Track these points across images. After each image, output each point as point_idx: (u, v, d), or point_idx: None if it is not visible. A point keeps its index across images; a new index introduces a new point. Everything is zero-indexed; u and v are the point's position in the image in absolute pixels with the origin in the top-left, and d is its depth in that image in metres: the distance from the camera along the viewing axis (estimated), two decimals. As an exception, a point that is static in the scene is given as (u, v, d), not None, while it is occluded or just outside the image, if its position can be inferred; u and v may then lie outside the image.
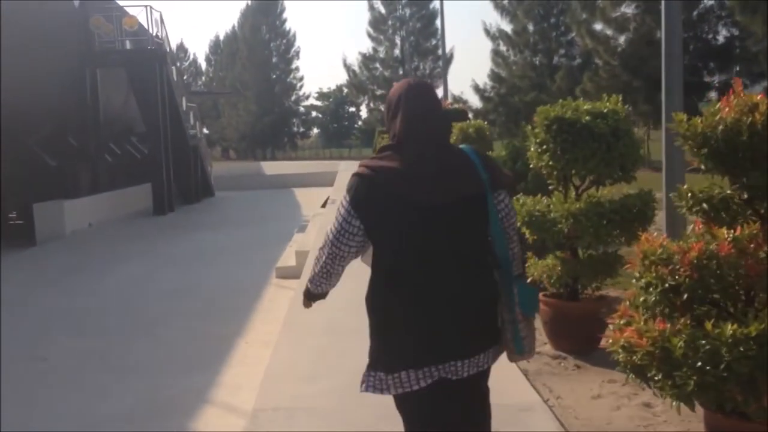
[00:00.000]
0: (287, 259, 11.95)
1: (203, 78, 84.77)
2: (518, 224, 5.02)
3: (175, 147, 23.27)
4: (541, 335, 5.54)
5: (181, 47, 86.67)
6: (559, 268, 4.86)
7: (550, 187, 5.14)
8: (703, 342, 2.68)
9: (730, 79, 26.84)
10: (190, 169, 25.21)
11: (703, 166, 3.10)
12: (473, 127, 9.53)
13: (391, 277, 2.40)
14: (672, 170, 5.61)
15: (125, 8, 22.50)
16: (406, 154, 2.38)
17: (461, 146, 2.54)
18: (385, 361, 2.43)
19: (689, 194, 3.03)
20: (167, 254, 13.87)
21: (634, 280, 3.10)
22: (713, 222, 2.96)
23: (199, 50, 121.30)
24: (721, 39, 26.23)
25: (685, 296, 2.85)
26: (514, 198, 5.11)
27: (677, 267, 2.85)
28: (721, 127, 2.90)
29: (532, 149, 4.98)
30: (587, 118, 4.76)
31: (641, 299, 3.05)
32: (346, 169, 26.77)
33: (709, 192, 3.00)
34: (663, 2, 5.50)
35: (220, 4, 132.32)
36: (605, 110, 4.79)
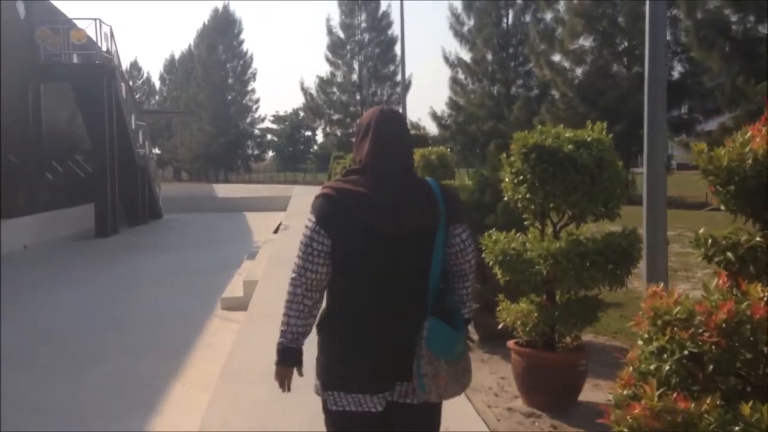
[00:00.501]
0: (234, 288, 11.23)
1: (157, 97, 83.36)
2: (490, 263, 4.49)
3: (121, 166, 22.36)
4: (512, 388, 4.98)
5: (135, 65, 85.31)
6: (536, 314, 4.29)
7: (525, 222, 4.59)
8: (737, 429, 2.13)
9: (682, 114, 27.15)
10: (137, 190, 24.27)
11: (722, 207, 2.57)
12: (435, 154, 9.03)
13: (344, 300, 2.43)
14: (653, 208, 5.15)
15: (74, 20, 21.64)
16: (370, 179, 2.41)
17: (426, 178, 2.56)
18: (339, 383, 2.44)
19: (709, 240, 2.50)
20: (103, 280, 13.00)
21: (640, 341, 2.54)
22: (740, 275, 2.43)
23: (153, 69, 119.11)
24: (675, 74, 26.47)
25: (711, 367, 2.31)
26: (486, 233, 4.56)
27: (700, 331, 2.30)
28: (750, 161, 2.39)
29: (506, 180, 4.44)
30: (569, 147, 4.25)
31: (651, 366, 2.49)
32: (300, 194, 26.24)
33: (734, 238, 2.47)
34: (647, 28, 5.07)
35: (176, 23, 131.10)
36: (589, 138, 4.28)
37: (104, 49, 21.29)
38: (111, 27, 21.46)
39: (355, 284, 2.40)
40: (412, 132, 11.04)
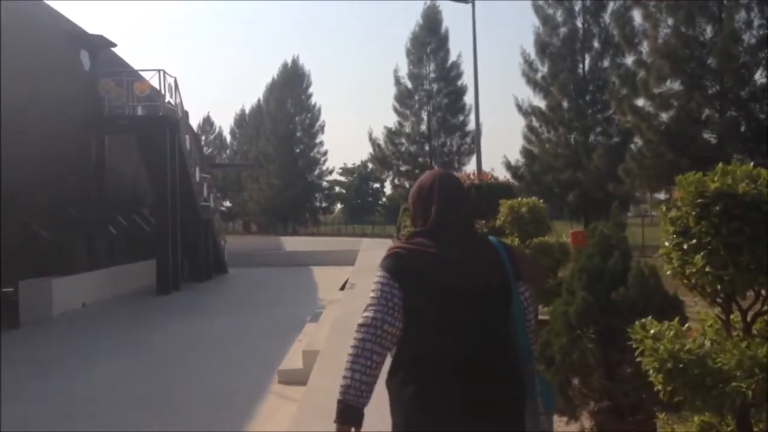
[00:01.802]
0: (293, 359, 9.92)
1: (228, 151, 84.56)
2: (650, 371, 3.02)
3: (185, 220, 21.67)
4: None
5: (208, 120, 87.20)
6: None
7: (697, 308, 3.15)
8: None
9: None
10: (200, 244, 23.51)
11: None
12: (525, 206, 7.59)
13: (415, 358, 2.40)
14: None
15: (139, 72, 21.33)
16: (436, 239, 2.47)
17: (490, 237, 2.63)
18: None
19: None
20: (155, 345, 11.92)
21: None
22: None
23: (225, 124, 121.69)
24: (774, 118, 24.33)
25: None
26: (638, 323, 3.09)
27: None
28: None
29: (666, 244, 3.00)
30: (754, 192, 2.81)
31: None
32: (368, 248, 25.07)
33: None
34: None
35: (247, 78, 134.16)
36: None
37: (167, 100, 20.74)
38: (175, 78, 21.03)
39: (427, 340, 2.39)
40: (493, 180, 9.72)
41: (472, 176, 9.30)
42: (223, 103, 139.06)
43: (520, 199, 7.73)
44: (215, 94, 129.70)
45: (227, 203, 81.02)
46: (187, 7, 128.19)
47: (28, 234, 16.42)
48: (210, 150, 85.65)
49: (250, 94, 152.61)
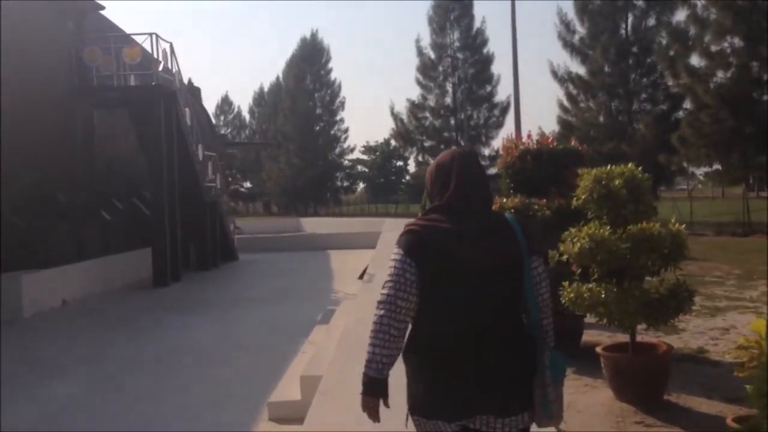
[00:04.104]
0: (289, 386, 7.52)
1: (247, 131, 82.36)
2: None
3: (187, 202, 19.36)
4: None
5: (226, 100, 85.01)
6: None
7: None
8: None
9: None
10: (206, 229, 21.21)
11: None
12: (619, 177, 5.07)
13: (431, 331, 2.50)
14: None
15: (130, 36, 18.95)
16: (453, 216, 2.53)
17: (506, 215, 2.67)
18: (422, 409, 2.52)
19: None
20: (123, 359, 9.60)
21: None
22: None
23: (244, 103, 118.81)
24: None
25: None
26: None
27: None
28: None
29: None
30: None
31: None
32: (390, 229, 22.70)
33: None
34: None
35: (266, 54, 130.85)
36: None
37: (161, 68, 18.28)
38: (171, 44, 18.58)
39: (442, 314, 2.48)
40: (561, 146, 7.18)
41: (527, 140, 6.70)
42: (241, 82, 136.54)
43: (609, 167, 5.19)
44: (234, 71, 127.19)
45: (247, 184, 78.94)
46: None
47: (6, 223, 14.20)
48: (229, 130, 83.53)
49: (270, 71, 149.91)
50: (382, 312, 2.45)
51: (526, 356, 2.51)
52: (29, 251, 14.96)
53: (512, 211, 6.92)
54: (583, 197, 5.17)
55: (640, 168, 5.28)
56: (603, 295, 4.92)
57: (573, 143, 7.43)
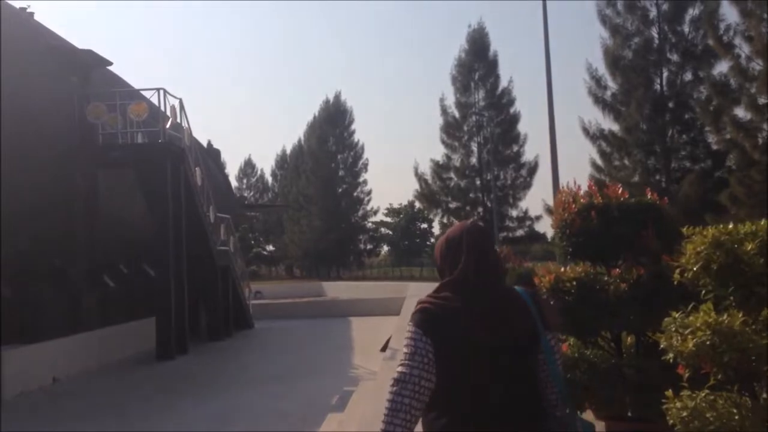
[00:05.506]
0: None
1: (270, 194, 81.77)
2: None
3: (197, 267, 18.01)
4: None
5: (249, 163, 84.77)
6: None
7: None
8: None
9: None
10: (217, 296, 19.76)
11: None
12: (750, 240, 3.55)
13: (448, 410, 2.41)
14: None
15: (138, 91, 17.94)
16: (465, 292, 2.48)
17: (516, 288, 2.63)
18: None
19: None
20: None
21: None
22: None
23: (267, 166, 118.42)
24: None
25: None
26: None
27: None
28: None
29: None
30: None
31: None
32: (414, 295, 21.19)
33: None
34: None
35: (289, 117, 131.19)
36: None
37: (169, 125, 17.10)
38: (180, 100, 17.48)
39: (459, 393, 2.41)
40: (634, 199, 5.67)
41: (589, 190, 5.18)
42: (264, 145, 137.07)
43: (730, 225, 3.65)
44: (257, 135, 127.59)
45: (270, 247, 77.77)
46: (230, 46, 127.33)
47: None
48: (252, 193, 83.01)
49: (292, 134, 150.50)
50: (402, 391, 2.37)
51: (541, 428, 2.45)
52: (19, 324, 13.60)
53: (573, 283, 5.36)
54: (694, 268, 3.60)
55: (769, 226, 3.72)
56: (735, 414, 3.32)
57: (649, 195, 5.88)
